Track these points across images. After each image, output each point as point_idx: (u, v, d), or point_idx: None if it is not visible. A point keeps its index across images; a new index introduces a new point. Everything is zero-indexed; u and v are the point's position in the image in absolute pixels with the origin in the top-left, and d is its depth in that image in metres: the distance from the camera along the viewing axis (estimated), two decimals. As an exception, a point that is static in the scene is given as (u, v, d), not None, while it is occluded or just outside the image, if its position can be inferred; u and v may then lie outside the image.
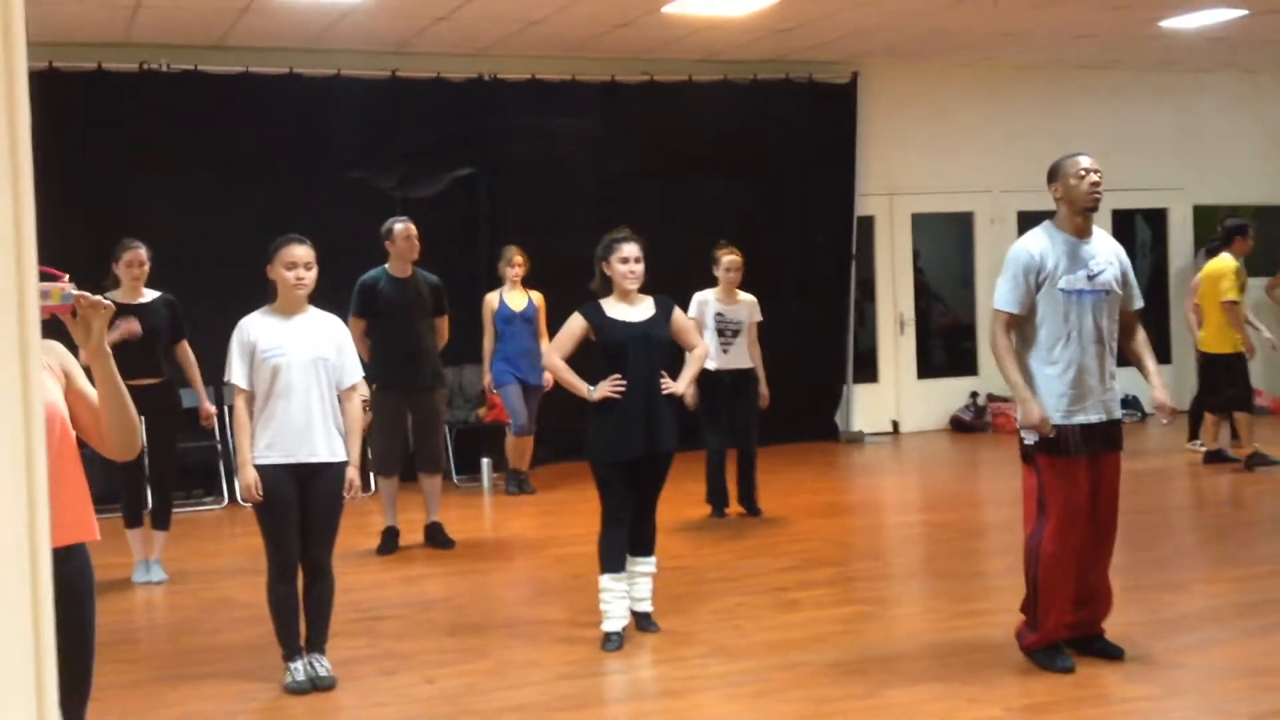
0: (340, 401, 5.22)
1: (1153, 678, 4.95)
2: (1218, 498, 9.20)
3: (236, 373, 5.13)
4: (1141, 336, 5.28)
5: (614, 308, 5.67)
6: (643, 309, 5.70)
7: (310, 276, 5.19)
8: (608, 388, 5.55)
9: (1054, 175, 5.13)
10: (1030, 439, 4.99)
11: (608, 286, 5.70)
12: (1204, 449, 10.00)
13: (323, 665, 5.19)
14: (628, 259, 5.64)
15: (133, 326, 6.82)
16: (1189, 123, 13.55)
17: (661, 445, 5.64)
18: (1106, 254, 5.09)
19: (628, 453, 5.57)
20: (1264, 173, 13.85)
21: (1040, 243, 5.05)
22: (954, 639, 5.61)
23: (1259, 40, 12.03)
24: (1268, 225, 14.78)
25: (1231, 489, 9.34)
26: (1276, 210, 14.44)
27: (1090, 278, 5.00)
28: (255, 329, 5.16)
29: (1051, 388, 4.99)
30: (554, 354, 5.73)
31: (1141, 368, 5.24)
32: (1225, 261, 9.70)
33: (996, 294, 5.12)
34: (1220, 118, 13.67)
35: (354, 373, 5.29)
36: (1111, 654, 5.09)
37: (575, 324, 5.68)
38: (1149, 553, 6.83)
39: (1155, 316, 12.74)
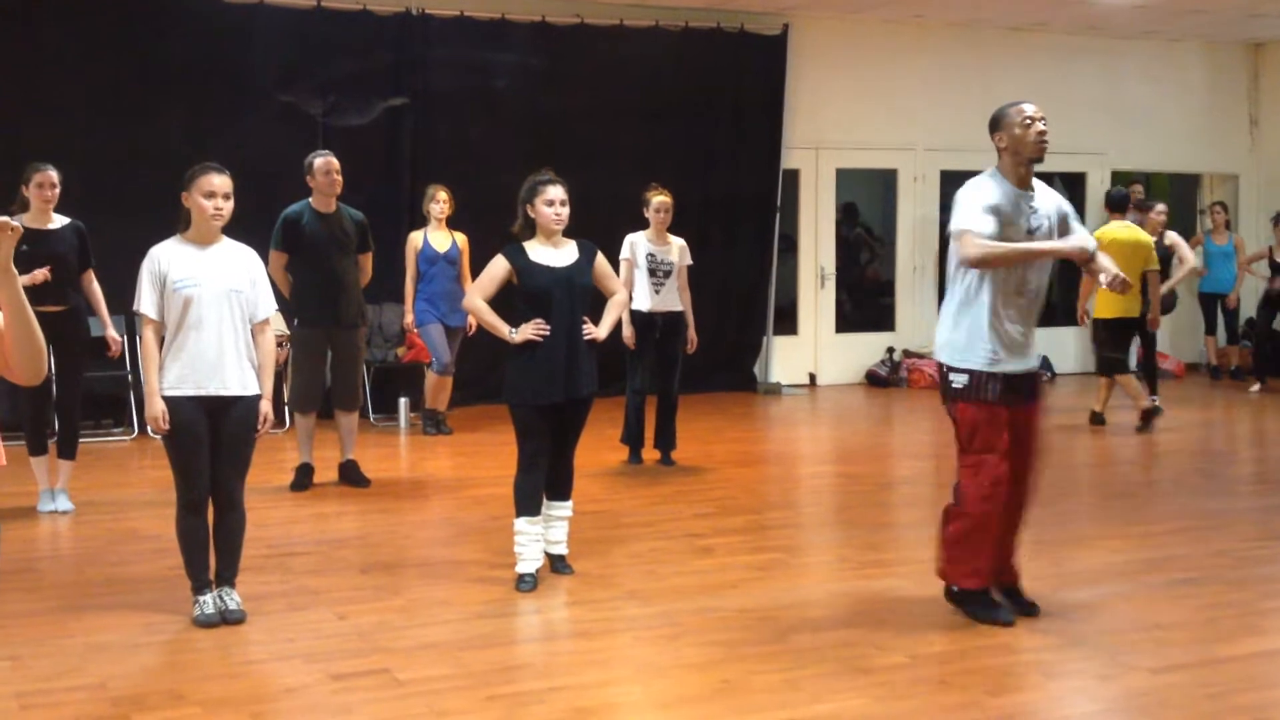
0: (253, 335, 5.14)
1: (1054, 629, 5.06)
2: (1121, 457, 9.41)
3: (146, 302, 5.03)
4: None
5: (537, 251, 5.62)
6: (567, 253, 5.66)
7: (228, 207, 5.08)
8: (530, 331, 5.51)
9: (997, 124, 5.00)
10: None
11: (530, 229, 5.64)
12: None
13: (233, 599, 5.14)
14: (553, 201, 5.58)
15: (42, 274, 6.76)
16: (1112, 88, 13.71)
17: (582, 390, 5.63)
18: (1046, 206, 5.02)
19: (548, 397, 5.56)
20: (1182, 141, 14.08)
21: (995, 193, 4.91)
22: (862, 588, 5.69)
23: (1183, 9, 12.20)
24: (1183, 192, 15.08)
25: (1134, 449, 9.55)
26: (1193, 178, 14.72)
27: (1030, 232, 4.96)
28: (168, 258, 5.05)
29: (982, 335, 4.93)
30: (476, 295, 5.67)
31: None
32: None
33: (965, 218, 4.86)
34: (1142, 85, 13.85)
35: (267, 306, 5.21)
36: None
37: (498, 266, 5.61)
38: (1052, 508, 6.96)
39: (1070, 280, 12.85)
